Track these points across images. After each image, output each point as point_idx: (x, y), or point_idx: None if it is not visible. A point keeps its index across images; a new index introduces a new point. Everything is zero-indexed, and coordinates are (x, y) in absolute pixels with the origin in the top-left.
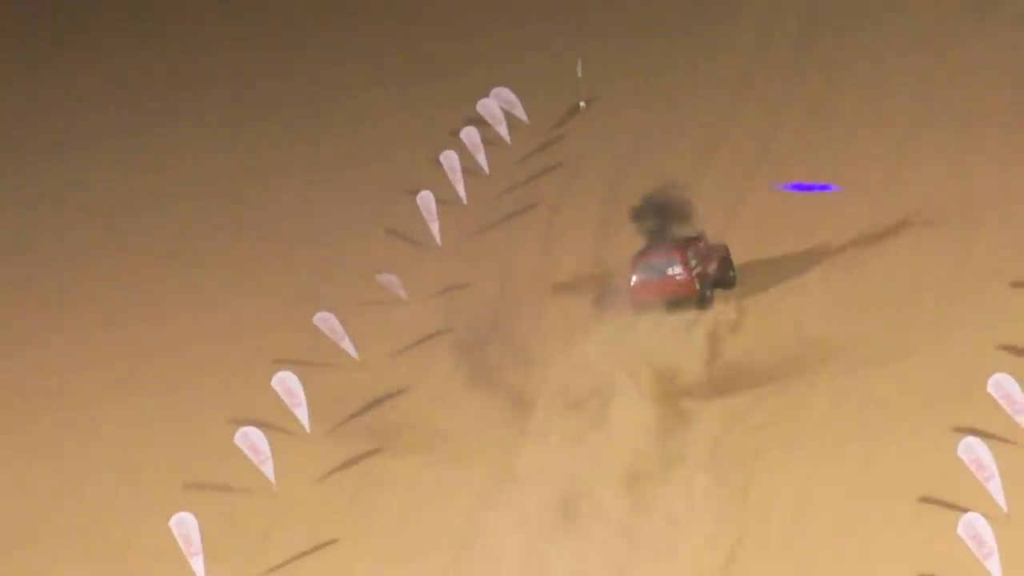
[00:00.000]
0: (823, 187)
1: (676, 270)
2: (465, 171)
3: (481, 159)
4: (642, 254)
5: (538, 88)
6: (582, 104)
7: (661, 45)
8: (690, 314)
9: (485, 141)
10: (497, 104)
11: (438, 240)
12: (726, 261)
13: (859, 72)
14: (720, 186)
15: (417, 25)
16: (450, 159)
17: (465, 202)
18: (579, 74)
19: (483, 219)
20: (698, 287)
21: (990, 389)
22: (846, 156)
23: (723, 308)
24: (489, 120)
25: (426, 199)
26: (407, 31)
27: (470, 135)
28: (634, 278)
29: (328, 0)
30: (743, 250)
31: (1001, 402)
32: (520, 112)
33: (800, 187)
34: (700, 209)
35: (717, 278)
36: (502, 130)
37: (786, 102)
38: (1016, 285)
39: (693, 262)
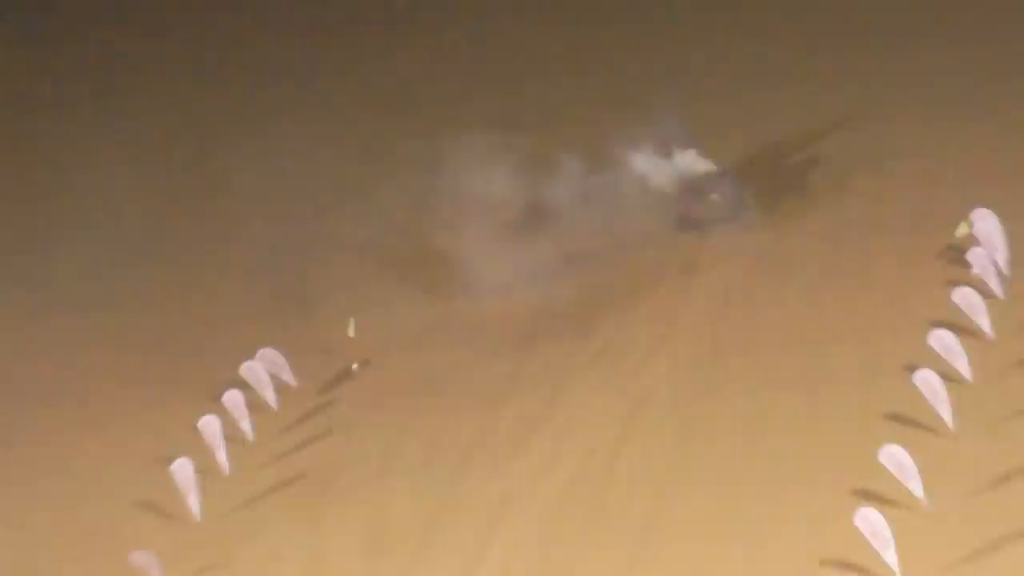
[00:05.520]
0: None
1: (716, 197)
2: (227, 438)
3: (245, 426)
4: (690, 185)
5: (307, 349)
6: (354, 366)
7: (439, 307)
8: None
9: (250, 406)
10: (263, 367)
11: (197, 513)
12: (745, 194)
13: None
14: (505, 442)
15: (180, 286)
16: (210, 425)
17: (227, 472)
18: (351, 334)
19: (247, 491)
20: (733, 209)
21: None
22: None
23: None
24: (254, 384)
25: (183, 468)
26: (169, 289)
27: (233, 399)
28: (682, 204)
29: (76, 262)
30: None
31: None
32: (288, 375)
33: None
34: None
35: (740, 204)
36: (268, 394)
37: (568, 357)
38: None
39: (728, 190)
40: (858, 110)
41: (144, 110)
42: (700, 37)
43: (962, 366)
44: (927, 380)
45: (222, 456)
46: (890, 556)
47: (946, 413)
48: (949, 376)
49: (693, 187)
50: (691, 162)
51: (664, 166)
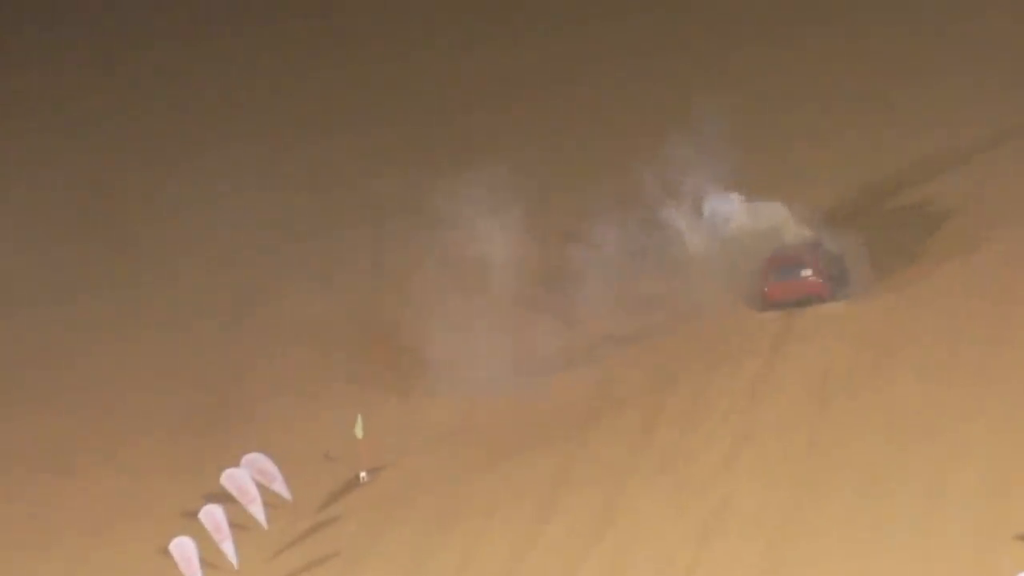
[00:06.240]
0: None
1: (807, 272)
2: (205, 564)
3: (228, 548)
4: (774, 259)
5: (305, 454)
6: (363, 475)
7: (465, 397)
8: None
9: (233, 524)
10: (249, 475)
11: None
12: (843, 266)
13: None
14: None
15: (144, 371)
16: (184, 548)
17: None
18: (359, 435)
19: None
20: (827, 288)
21: None
22: None
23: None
24: (238, 496)
25: None
26: (124, 378)
27: (212, 516)
28: (769, 281)
29: None
30: None
31: None
32: (280, 486)
33: None
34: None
35: (838, 280)
36: (256, 510)
37: (629, 458)
38: None
39: (822, 265)
40: (985, 150)
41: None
42: (786, 69)
43: None
44: None
45: None
46: None
47: None
48: None
49: (778, 261)
50: (761, 217)
51: (718, 221)
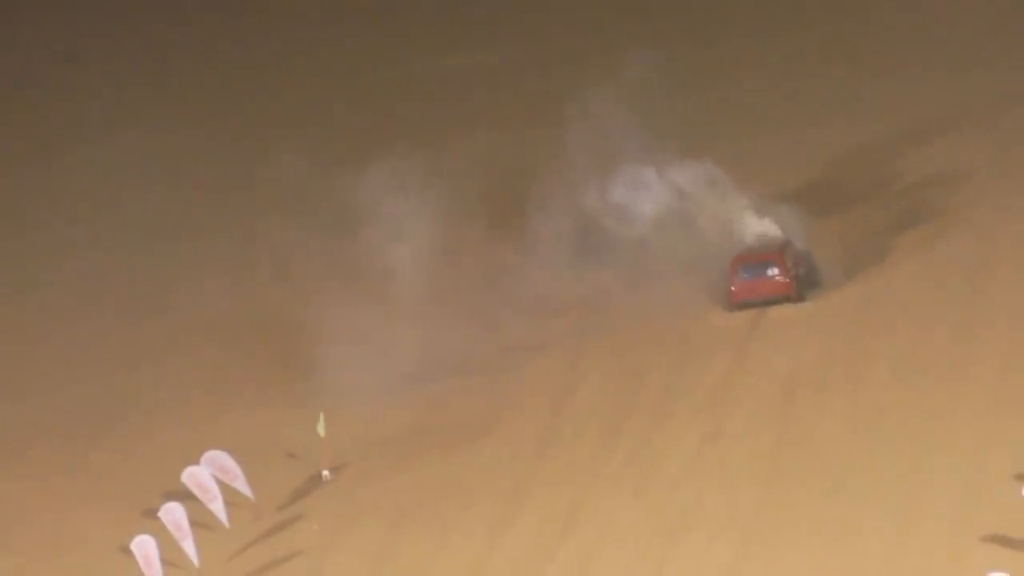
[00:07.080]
0: None
1: (774, 271)
2: (166, 563)
3: (188, 547)
4: (741, 258)
5: (267, 453)
6: (326, 473)
7: (430, 398)
8: None
9: (194, 523)
10: (210, 473)
11: None
12: (812, 264)
13: None
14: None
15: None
16: (145, 547)
17: None
18: (321, 433)
19: None
20: (795, 287)
21: None
22: None
23: None
24: (199, 495)
25: None
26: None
27: (173, 515)
28: (735, 281)
29: None
30: None
31: None
32: (242, 484)
33: None
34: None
35: (806, 279)
36: (217, 507)
37: (589, 464)
38: None
39: (789, 264)
40: (953, 143)
41: None
42: (757, 65)
43: None
44: None
45: None
46: None
47: None
48: None
49: (744, 260)
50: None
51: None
